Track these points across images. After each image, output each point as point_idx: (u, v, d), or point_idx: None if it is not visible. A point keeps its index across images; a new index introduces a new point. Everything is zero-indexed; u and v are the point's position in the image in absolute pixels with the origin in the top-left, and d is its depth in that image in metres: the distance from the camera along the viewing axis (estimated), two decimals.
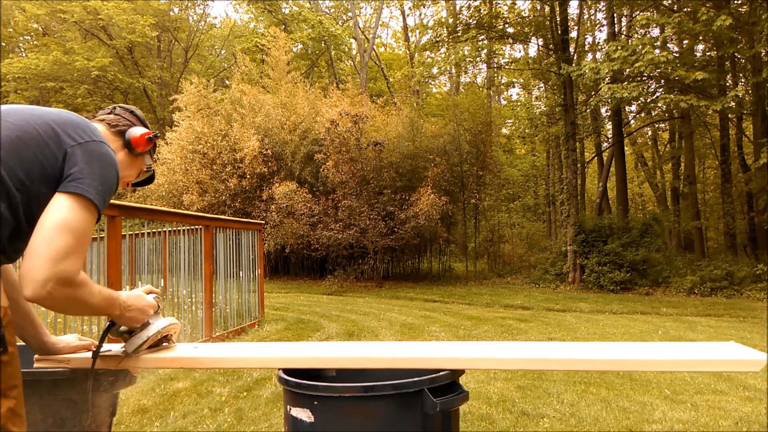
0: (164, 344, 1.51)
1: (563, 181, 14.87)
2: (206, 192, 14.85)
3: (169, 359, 1.50)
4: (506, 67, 21.29)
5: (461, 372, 1.40)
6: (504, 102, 27.83)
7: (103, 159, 1.22)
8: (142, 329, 1.41)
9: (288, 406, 1.39)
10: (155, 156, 10.68)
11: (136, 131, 1.45)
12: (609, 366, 1.30)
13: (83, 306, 1.16)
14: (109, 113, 1.47)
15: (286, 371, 1.44)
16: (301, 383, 1.33)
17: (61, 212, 1.11)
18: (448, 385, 1.34)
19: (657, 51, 11.26)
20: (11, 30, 24.67)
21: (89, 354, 1.50)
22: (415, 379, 1.29)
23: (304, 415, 1.32)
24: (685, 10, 11.64)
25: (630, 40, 14.03)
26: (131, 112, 1.51)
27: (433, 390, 1.29)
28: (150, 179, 1.63)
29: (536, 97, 23.87)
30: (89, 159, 1.18)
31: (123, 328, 1.42)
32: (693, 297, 11.39)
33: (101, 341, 1.42)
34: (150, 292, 1.46)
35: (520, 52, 23.49)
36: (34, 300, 1.07)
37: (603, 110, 17.73)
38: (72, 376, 1.44)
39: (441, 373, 1.33)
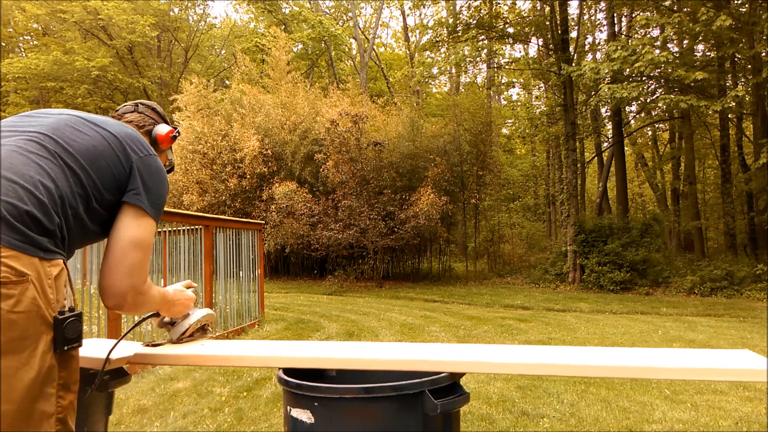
0: (199, 333, 1.65)
1: (563, 181, 14.88)
2: (206, 192, 14.85)
3: (176, 356, 1.52)
4: (506, 67, 21.31)
5: (462, 373, 1.40)
6: (504, 102, 27.83)
7: (160, 173, 1.34)
8: (183, 319, 1.58)
9: (288, 407, 1.38)
10: None
11: (162, 129, 1.53)
12: (617, 373, 1.26)
13: (148, 307, 1.34)
14: (132, 111, 1.54)
15: (286, 372, 1.44)
16: (302, 384, 1.33)
17: (132, 229, 1.25)
18: (448, 386, 1.34)
19: (657, 51, 11.26)
20: (11, 30, 24.67)
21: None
22: (416, 380, 1.29)
23: (304, 416, 1.32)
24: (685, 10, 11.64)
25: (630, 40, 14.03)
26: (153, 109, 1.58)
27: (434, 391, 1.28)
28: (170, 171, 1.72)
29: (536, 97, 23.89)
30: (149, 173, 1.30)
31: (166, 319, 1.58)
32: (693, 297, 11.39)
33: (142, 320, 1.58)
34: (189, 287, 1.60)
35: (520, 52, 23.54)
36: (114, 308, 1.24)
37: (603, 110, 17.74)
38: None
39: (442, 375, 1.33)
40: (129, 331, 1.62)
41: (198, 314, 1.59)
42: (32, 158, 1.11)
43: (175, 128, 1.57)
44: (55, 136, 1.19)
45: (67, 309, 1.07)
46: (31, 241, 1.02)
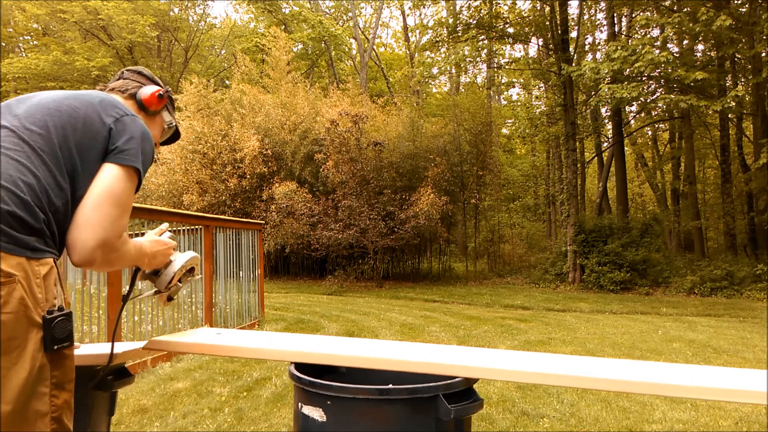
0: (186, 277, 1.58)
1: (563, 181, 14.88)
2: (206, 192, 14.84)
3: (189, 344, 1.52)
4: (506, 67, 21.30)
5: (476, 379, 1.39)
6: (504, 102, 27.82)
7: (138, 131, 1.27)
8: (166, 267, 1.50)
9: (299, 404, 1.38)
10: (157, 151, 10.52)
11: (146, 91, 1.47)
12: (639, 389, 1.23)
13: (121, 264, 1.25)
14: (117, 79, 1.49)
15: (298, 367, 1.43)
16: (315, 382, 1.32)
17: (106, 183, 1.18)
18: (462, 391, 1.33)
19: (657, 51, 11.26)
20: (11, 30, 24.67)
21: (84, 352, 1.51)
22: (431, 384, 1.28)
23: (316, 413, 1.31)
24: (685, 10, 11.64)
25: (630, 40, 14.02)
26: (139, 72, 1.52)
27: (448, 396, 1.28)
28: (175, 135, 1.64)
29: (536, 97, 23.88)
30: (128, 132, 1.25)
31: (148, 271, 1.49)
32: (693, 297, 11.39)
33: (132, 285, 1.49)
34: (162, 233, 1.50)
35: (520, 52, 23.52)
36: (80, 265, 1.14)
37: (603, 110, 17.74)
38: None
39: (456, 380, 1.32)
40: (132, 285, 1.49)
41: (181, 259, 1.52)
42: (10, 155, 1.09)
43: (164, 87, 1.51)
44: (30, 125, 1.16)
45: (56, 308, 1.06)
46: (17, 241, 1.02)
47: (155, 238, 1.46)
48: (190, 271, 1.57)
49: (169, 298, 1.55)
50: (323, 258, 14.48)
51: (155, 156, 1.40)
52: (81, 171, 1.17)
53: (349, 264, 13.91)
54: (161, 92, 1.48)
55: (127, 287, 1.48)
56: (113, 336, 1.47)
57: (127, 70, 1.51)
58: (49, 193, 1.11)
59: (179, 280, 1.52)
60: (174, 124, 1.59)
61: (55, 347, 1.05)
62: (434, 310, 8.99)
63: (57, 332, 1.05)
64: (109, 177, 1.19)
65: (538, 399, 3.65)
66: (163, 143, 1.64)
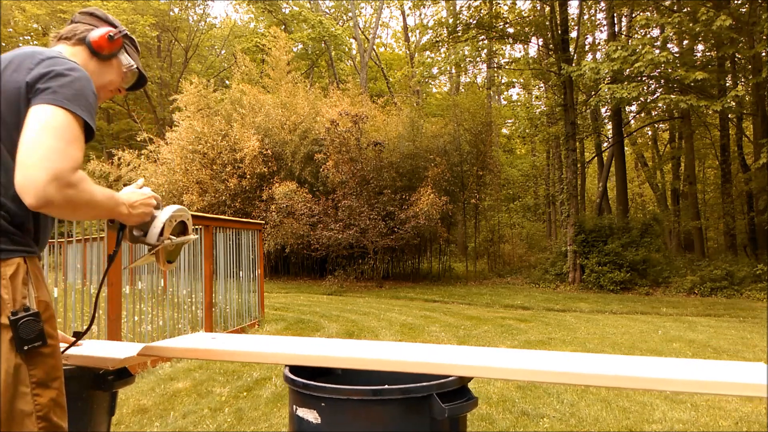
0: (179, 234, 1.46)
1: (563, 181, 14.87)
2: (206, 192, 14.84)
3: (184, 350, 1.51)
4: (506, 67, 21.30)
5: (470, 378, 1.39)
6: (504, 102, 27.81)
7: (61, 66, 1.14)
8: (153, 220, 1.37)
9: (294, 406, 1.38)
10: (156, 149, 10.53)
11: (95, 33, 1.34)
12: (633, 384, 1.22)
13: (90, 205, 1.10)
14: (69, 24, 1.37)
15: (293, 370, 1.43)
16: (309, 384, 1.32)
17: (38, 119, 1.06)
18: (457, 390, 1.33)
19: (657, 51, 11.26)
20: (11, 30, 24.66)
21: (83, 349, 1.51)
22: (424, 384, 1.28)
23: (310, 415, 1.32)
24: (685, 10, 11.63)
25: (630, 40, 14.02)
26: (90, 14, 1.39)
27: (442, 395, 1.28)
28: (140, 80, 1.50)
29: (536, 97, 23.87)
30: (50, 73, 1.12)
31: (135, 232, 1.38)
32: (693, 297, 11.39)
33: (118, 243, 1.40)
34: (141, 187, 1.40)
35: (520, 52, 23.50)
36: (38, 207, 1.01)
37: (603, 110, 17.74)
38: (70, 375, 1.44)
39: (450, 379, 1.32)
40: (119, 244, 1.40)
41: (168, 210, 1.39)
42: None
43: (118, 29, 1.38)
44: None
45: (21, 309, 1.05)
46: None
47: (133, 190, 1.34)
48: (183, 230, 1.46)
49: (169, 261, 1.45)
50: (323, 258, 14.48)
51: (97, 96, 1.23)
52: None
53: (349, 264, 13.91)
54: (112, 33, 1.34)
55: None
56: (95, 304, 1.44)
57: (79, 13, 1.39)
58: (2, 185, 1.06)
59: (173, 236, 1.40)
60: (135, 66, 1.44)
61: (26, 347, 1.04)
62: (434, 310, 8.99)
63: (23, 333, 1.03)
64: (38, 114, 1.06)
65: (538, 399, 3.64)
66: (129, 89, 1.52)
